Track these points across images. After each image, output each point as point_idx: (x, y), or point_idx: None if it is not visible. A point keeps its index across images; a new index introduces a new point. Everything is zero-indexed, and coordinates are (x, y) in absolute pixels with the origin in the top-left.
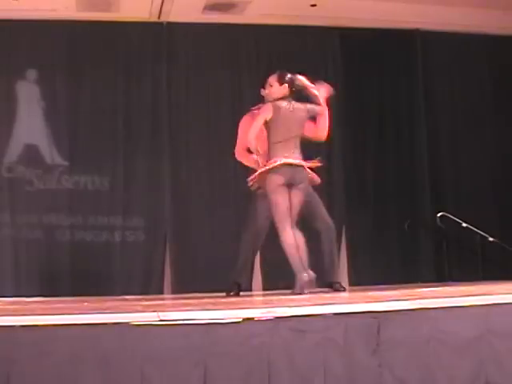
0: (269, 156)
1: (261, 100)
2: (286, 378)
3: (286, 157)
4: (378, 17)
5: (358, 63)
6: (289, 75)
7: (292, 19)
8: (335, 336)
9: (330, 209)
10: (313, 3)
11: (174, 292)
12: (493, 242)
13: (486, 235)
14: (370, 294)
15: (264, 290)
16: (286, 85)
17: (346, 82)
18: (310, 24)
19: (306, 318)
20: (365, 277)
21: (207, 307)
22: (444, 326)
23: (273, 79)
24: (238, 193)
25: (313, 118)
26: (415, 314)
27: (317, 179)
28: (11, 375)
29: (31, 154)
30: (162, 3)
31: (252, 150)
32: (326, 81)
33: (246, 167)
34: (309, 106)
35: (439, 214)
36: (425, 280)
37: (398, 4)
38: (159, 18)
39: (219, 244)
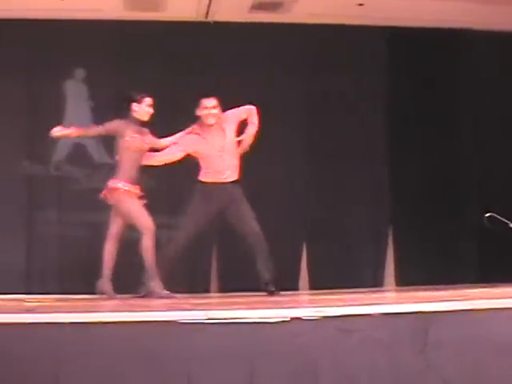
0: None
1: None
2: (332, 377)
3: None
4: (426, 16)
5: (404, 63)
6: None
7: (338, 19)
8: (382, 336)
9: (376, 209)
10: (360, 2)
11: (220, 291)
12: None
13: None
14: (418, 294)
15: (310, 289)
16: None
17: (393, 81)
18: (357, 23)
19: (353, 318)
20: (411, 277)
21: (255, 306)
22: (491, 327)
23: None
24: (288, 192)
25: None
26: (463, 315)
27: None
28: (60, 372)
29: (79, 153)
30: (210, 3)
31: None
32: (373, 80)
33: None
34: None
35: (487, 215)
36: (470, 281)
37: (446, 2)
38: (206, 17)
39: (267, 243)
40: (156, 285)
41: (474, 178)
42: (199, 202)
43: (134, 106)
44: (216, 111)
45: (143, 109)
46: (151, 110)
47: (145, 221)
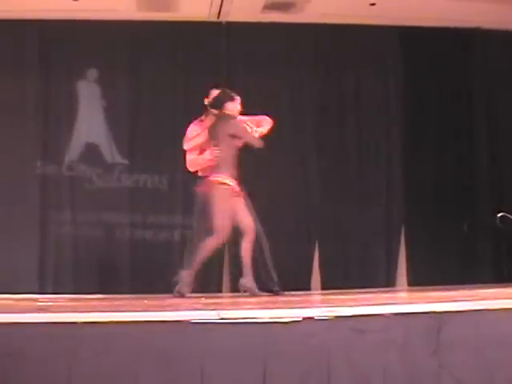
0: None
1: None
2: (345, 377)
3: None
4: (438, 15)
5: (417, 62)
6: None
7: (351, 18)
8: (395, 336)
9: (389, 208)
10: (372, 2)
11: (232, 291)
12: None
13: None
14: (430, 294)
15: (322, 289)
16: None
17: (405, 81)
18: (370, 23)
19: (366, 318)
20: (423, 277)
21: (267, 306)
22: (504, 327)
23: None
24: (300, 191)
25: None
26: (476, 315)
27: None
28: (72, 371)
29: (92, 153)
30: (222, 3)
31: None
32: (385, 80)
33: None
34: None
35: (499, 214)
36: (483, 281)
37: (458, 2)
38: (218, 17)
39: (279, 243)
40: (248, 283)
41: (487, 178)
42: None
43: (229, 104)
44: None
45: (236, 107)
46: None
47: (247, 220)
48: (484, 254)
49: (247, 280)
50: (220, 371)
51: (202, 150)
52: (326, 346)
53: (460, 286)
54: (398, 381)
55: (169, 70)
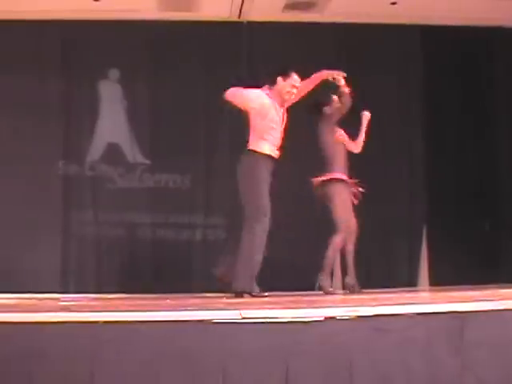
0: None
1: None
2: (367, 376)
3: None
4: (459, 14)
5: (438, 62)
6: None
7: (372, 17)
8: (417, 335)
9: (411, 208)
10: (393, 1)
11: None
12: None
13: None
14: (452, 294)
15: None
16: None
17: (427, 80)
18: (391, 22)
19: (388, 318)
20: (445, 277)
21: (289, 306)
22: None
23: None
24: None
25: None
26: (498, 315)
27: None
28: (95, 371)
29: (113, 153)
30: (243, 2)
31: None
32: (407, 80)
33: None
34: None
35: None
36: (505, 280)
37: (480, 0)
38: (239, 17)
39: (298, 244)
40: (325, 281)
41: (509, 178)
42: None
43: (326, 108)
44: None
45: (335, 107)
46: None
47: (345, 220)
48: (506, 254)
49: (351, 278)
50: (242, 371)
51: None
52: (348, 345)
53: (482, 286)
54: (421, 381)
55: (190, 69)
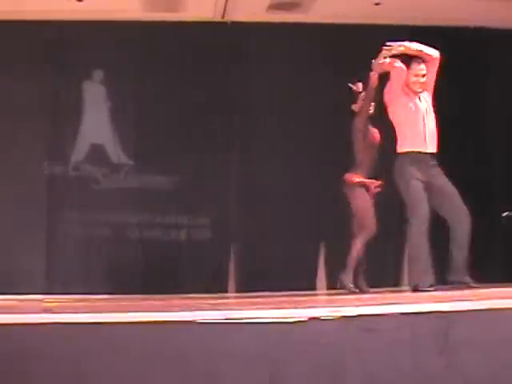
0: None
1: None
2: (354, 376)
3: None
4: (443, 14)
5: None
6: None
7: (357, 18)
8: (402, 336)
9: (398, 208)
10: (376, 2)
11: (238, 291)
12: None
13: None
14: (437, 293)
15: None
16: None
17: None
18: (375, 23)
19: (373, 318)
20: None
21: (272, 306)
22: None
23: None
24: (306, 192)
25: None
26: (484, 315)
27: None
28: (87, 372)
29: (97, 153)
30: (226, 2)
31: None
32: None
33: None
34: None
35: (504, 214)
36: (494, 280)
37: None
38: (223, 17)
39: (284, 243)
40: (346, 279)
41: (505, 179)
42: None
43: (354, 106)
44: (424, 80)
45: (361, 103)
46: None
47: (369, 221)
48: (494, 254)
49: (346, 275)
50: (227, 372)
51: None
52: (334, 345)
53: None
54: (406, 380)
55: (174, 70)
